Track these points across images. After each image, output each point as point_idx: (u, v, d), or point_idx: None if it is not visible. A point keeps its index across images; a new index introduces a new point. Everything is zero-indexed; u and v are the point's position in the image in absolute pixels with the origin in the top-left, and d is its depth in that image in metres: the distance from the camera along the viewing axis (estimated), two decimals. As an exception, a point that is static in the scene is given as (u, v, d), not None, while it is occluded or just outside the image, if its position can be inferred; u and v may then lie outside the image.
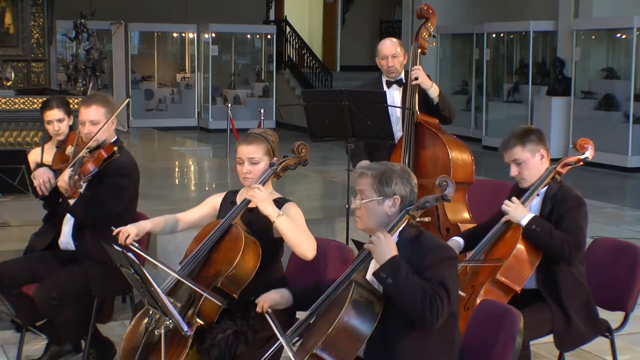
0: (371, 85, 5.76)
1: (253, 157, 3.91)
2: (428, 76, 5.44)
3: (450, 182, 3.33)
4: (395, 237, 3.26)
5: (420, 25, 5.43)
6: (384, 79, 5.64)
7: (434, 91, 5.40)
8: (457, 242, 4.20)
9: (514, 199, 4.04)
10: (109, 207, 4.44)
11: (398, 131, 5.46)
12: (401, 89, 5.57)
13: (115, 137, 4.66)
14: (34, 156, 5.33)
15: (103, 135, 4.55)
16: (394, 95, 5.56)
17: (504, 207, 4.02)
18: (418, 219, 3.32)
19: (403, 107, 5.42)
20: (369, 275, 3.30)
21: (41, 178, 4.57)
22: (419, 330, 3.11)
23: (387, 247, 3.14)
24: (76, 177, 4.37)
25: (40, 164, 5.06)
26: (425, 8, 5.44)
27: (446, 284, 3.08)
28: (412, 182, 3.28)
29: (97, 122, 4.51)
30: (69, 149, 4.69)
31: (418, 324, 3.08)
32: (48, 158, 5.13)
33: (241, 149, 3.94)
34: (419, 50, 5.40)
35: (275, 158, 3.96)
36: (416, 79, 5.32)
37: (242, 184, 3.98)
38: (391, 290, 3.10)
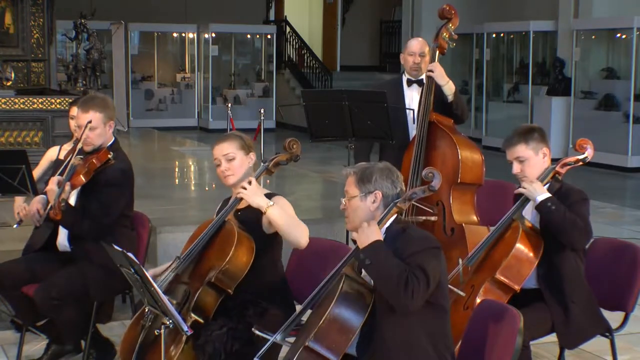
0: (390, 84, 5.71)
1: (227, 152, 3.94)
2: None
3: (436, 173, 3.38)
4: (382, 232, 3.30)
5: (441, 26, 5.36)
6: (404, 78, 5.59)
7: (449, 88, 5.34)
8: None
9: (532, 179, 4.02)
10: (101, 221, 4.43)
11: (413, 129, 5.42)
12: (421, 89, 5.53)
13: (113, 139, 4.62)
14: (51, 153, 5.30)
15: (99, 140, 4.51)
16: (413, 95, 5.53)
17: (520, 189, 4.03)
18: (424, 218, 3.36)
19: (403, 107, 5.41)
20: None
21: (31, 211, 4.50)
22: (405, 320, 3.15)
23: (370, 232, 3.22)
24: (63, 195, 4.28)
25: (56, 160, 5.05)
26: (448, 9, 5.37)
27: (426, 268, 3.13)
28: (393, 177, 3.35)
29: (94, 127, 4.47)
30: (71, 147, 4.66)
31: (395, 305, 3.13)
32: (64, 153, 5.11)
33: (214, 150, 3.98)
34: (438, 51, 5.36)
35: (252, 153, 3.98)
36: (431, 71, 5.27)
37: (225, 184, 3.99)
38: (369, 272, 3.19)
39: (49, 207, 4.33)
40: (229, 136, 4.04)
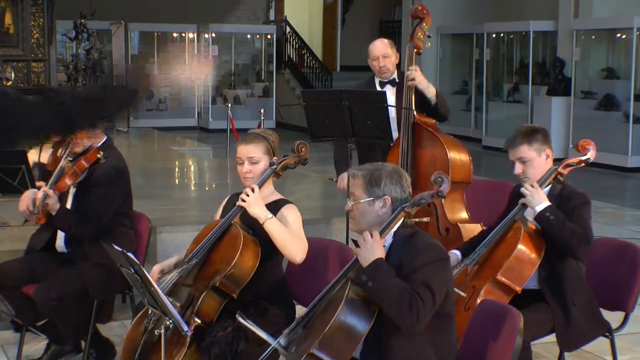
0: (364, 86, 5.75)
1: (252, 156, 3.92)
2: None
3: (445, 178, 3.34)
4: (389, 237, 3.26)
5: (415, 26, 5.40)
6: (376, 80, 5.63)
7: (431, 91, 5.36)
8: (455, 255, 4.13)
9: (534, 183, 4.00)
10: (96, 220, 4.42)
11: (393, 131, 5.44)
12: (395, 88, 5.55)
13: (105, 138, 4.59)
14: (32, 157, 5.31)
15: (87, 141, 4.49)
16: (388, 96, 5.54)
17: (522, 189, 4.00)
18: (417, 220, 3.31)
19: (402, 107, 5.41)
20: None
21: (20, 209, 4.48)
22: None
23: (372, 249, 3.16)
24: (47, 200, 4.28)
25: (37, 163, 5.05)
26: (420, 8, 5.42)
27: (432, 285, 3.07)
28: (402, 181, 3.29)
29: None
30: (61, 151, 4.66)
31: (401, 326, 3.08)
32: (46, 156, 5.11)
33: (240, 148, 3.96)
34: (415, 51, 5.38)
35: (275, 157, 3.96)
36: (413, 79, 5.30)
37: (243, 184, 3.99)
38: (371, 294, 3.12)
39: (34, 209, 4.32)
40: (256, 138, 3.97)
